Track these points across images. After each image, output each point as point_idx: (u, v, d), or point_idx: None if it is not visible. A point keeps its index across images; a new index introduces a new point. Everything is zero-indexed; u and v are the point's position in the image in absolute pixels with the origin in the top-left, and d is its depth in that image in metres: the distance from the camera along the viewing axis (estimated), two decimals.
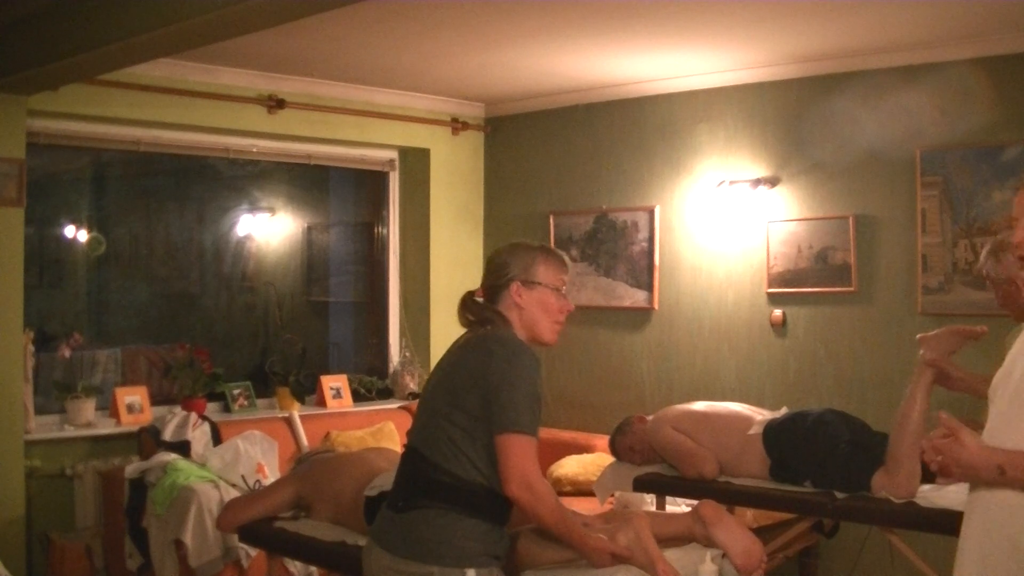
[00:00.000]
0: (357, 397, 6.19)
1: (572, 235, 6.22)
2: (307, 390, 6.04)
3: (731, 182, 5.47)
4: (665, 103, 5.81)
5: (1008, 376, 2.29)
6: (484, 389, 2.54)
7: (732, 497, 3.95)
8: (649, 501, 4.65)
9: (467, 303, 2.73)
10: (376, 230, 6.72)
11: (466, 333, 2.74)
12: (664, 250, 5.83)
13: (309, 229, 6.75)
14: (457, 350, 2.70)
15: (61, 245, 5.83)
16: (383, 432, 5.73)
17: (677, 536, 2.80)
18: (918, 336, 3.67)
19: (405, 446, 2.73)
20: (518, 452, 2.50)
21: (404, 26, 4.66)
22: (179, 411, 5.22)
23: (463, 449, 2.56)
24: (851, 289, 5.08)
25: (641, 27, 4.66)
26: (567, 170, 6.28)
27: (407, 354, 6.46)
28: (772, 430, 3.94)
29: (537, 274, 2.68)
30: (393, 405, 6.22)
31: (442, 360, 2.74)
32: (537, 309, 2.69)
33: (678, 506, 4.46)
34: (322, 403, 6.04)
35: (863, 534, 4.39)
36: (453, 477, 2.56)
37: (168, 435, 5.01)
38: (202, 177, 6.23)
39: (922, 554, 3.79)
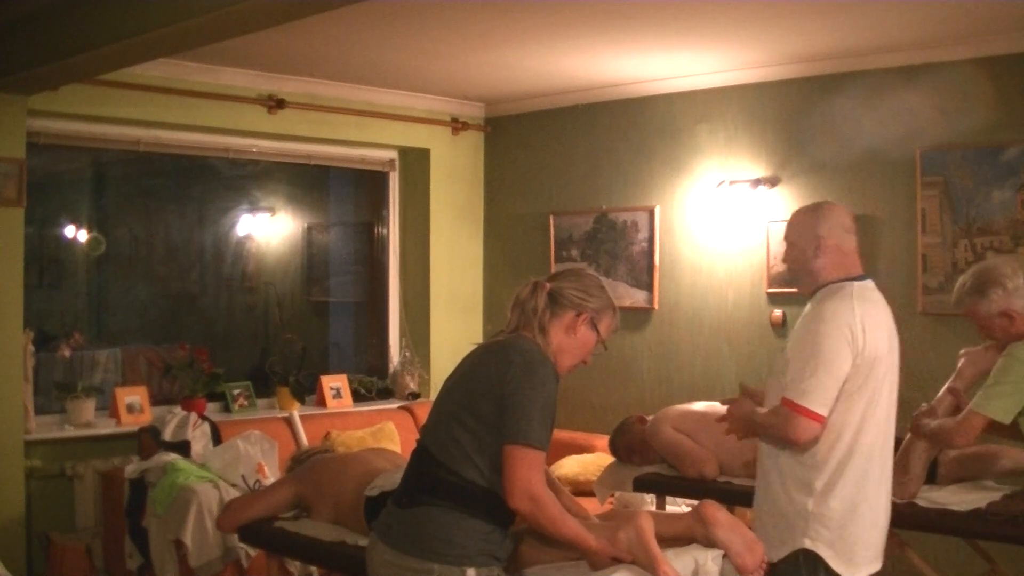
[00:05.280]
0: (357, 397, 6.19)
1: (572, 235, 6.22)
2: (307, 390, 6.04)
3: (731, 182, 5.47)
4: (665, 103, 5.81)
5: None
6: (499, 396, 2.55)
7: (732, 497, 3.95)
8: (649, 501, 4.65)
9: (528, 301, 2.71)
10: (376, 230, 6.72)
11: (489, 338, 2.75)
12: (664, 250, 5.82)
13: (309, 229, 6.75)
14: (479, 354, 2.71)
15: (61, 245, 5.83)
16: (383, 432, 5.72)
17: (678, 536, 2.79)
18: (961, 351, 3.67)
19: (416, 443, 2.75)
20: (524, 465, 2.51)
21: (404, 26, 4.66)
22: (179, 411, 5.21)
23: (469, 453, 2.57)
24: None
25: (641, 27, 4.66)
26: (567, 170, 6.28)
27: (407, 354, 6.46)
28: None
29: (602, 322, 2.76)
30: (393, 405, 6.21)
31: (463, 362, 2.75)
32: (579, 347, 2.75)
33: (678, 506, 4.46)
34: (322, 403, 6.04)
35: None
36: (458, 477, 2.57)
37: (168, 435, 5.01)
38: (202, 177, 6.23)
39: (922, 554, 3.79)
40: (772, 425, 2.87)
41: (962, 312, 3.53)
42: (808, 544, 2.85)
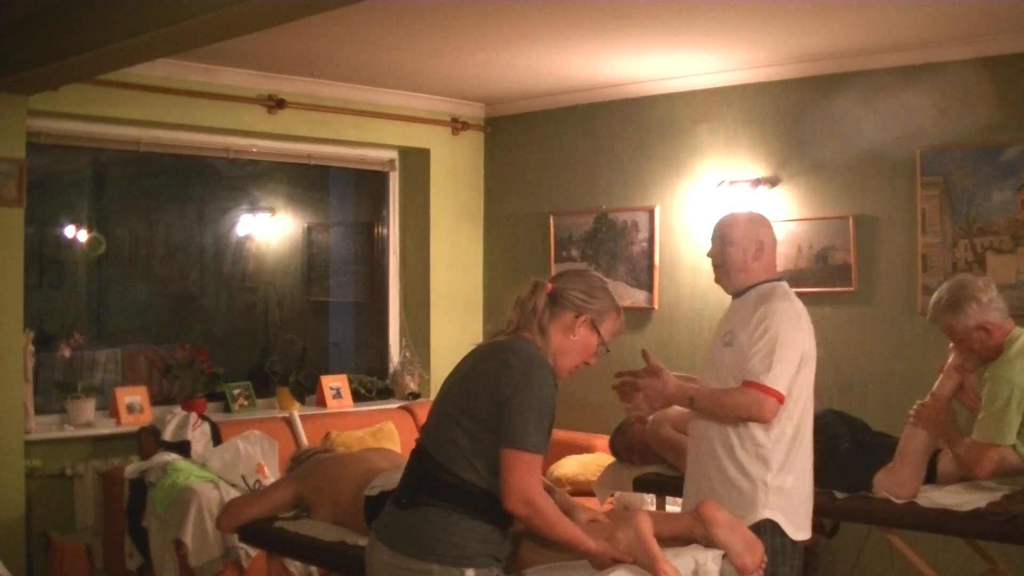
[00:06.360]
0: (357, 397, 6.19)
1: (572, 235, 6.22)
2: (307, 390, 6.04)
3: (731, 182, 5.46)
4: (665, 103, 5.81)
5: None
6: (496, 399, 2.54)
7: None
8: (649, 501, 4.65)
9: (528, 301, 2.70)
10: (376, 230, 6.72)
11: (489, 338, 2.75)
12: (664, 250, 5.82)
13: (309, 229, 6.76)
14: (478, 355, 2.71)
15: (61, 245, 5.84)
16: (383, 432, 5.72)
17: (677, 536, 2.79)
18: (951, 345, 3.68)
19: (416, 443, 2.74)
20: (521, 469, 2.51)
21: (404, 26, 4.66)
22: (179, 411, 5.22)
23: (466, 454, 2.57)
24: (851, 289, 5.08)
25: (641, 27, 4.66)
26: (567, 170, 6.28)
27: (407, 354, 6.46)
28: None
29: (603, 324, 2.75)
30: (393, 405, 6.21)
31: (462, 362, 2.75)
32: (578, 349, 2.73)
33: (678, 506, 4.46)
34: (322, 403, 6.04)
35: (863, 534, 4.39)
36: (457, 478, 2.57)
37: (168, 435, 5.01)
38: (202, 177, 6.24)
39: (922, 554, 3.79)
40: (736, 405, 3.07)
41: (939, 328, 3.55)
42: (768, 514, 3.07)
